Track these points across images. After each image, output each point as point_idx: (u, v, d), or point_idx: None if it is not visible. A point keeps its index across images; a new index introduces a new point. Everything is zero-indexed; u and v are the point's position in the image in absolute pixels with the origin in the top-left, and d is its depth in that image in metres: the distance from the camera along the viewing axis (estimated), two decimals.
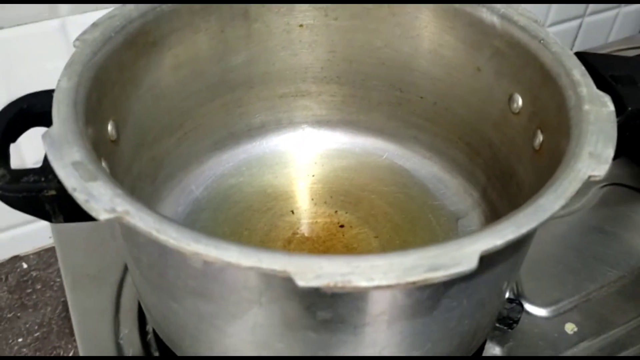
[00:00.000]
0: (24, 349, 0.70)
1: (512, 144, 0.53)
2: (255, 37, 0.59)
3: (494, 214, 0.59)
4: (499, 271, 0.38)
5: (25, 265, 0.83)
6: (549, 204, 0.33)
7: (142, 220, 0.31)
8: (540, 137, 0.47)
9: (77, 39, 0.45)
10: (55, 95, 0.40)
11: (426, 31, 0.57)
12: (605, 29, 1.00)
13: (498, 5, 0.51)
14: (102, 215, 0.32)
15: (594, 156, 0.36)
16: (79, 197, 0.33)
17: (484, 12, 0.52)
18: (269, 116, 0.66)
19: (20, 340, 0.71)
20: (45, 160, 0.41)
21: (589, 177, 0.35)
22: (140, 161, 0.54)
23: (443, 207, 0.61)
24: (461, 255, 0.30)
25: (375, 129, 0.67)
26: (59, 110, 0.39)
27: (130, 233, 0.38)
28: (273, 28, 0.59)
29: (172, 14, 0.52)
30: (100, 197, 0.33)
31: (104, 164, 0.43)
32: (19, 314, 0.74)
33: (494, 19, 0.51)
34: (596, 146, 0.37)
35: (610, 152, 0.36)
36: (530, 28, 0.49)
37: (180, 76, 0.56)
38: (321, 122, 0.68)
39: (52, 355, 0.70)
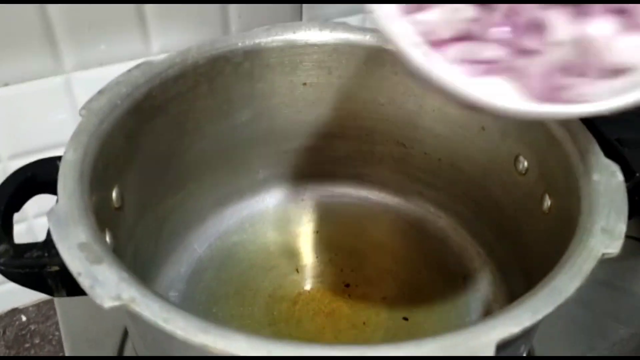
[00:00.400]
0: None
1: (519, 205, 0.53)
2: (259, 96, 0.59)
3: (502, 273, 0.58)
4: (513, 349, 0.37)
5: (24, 318, 0.82)
6: (564, 285, 0.33)
7: (148, 308, 0.31)
8: (548, 202, 0.47)
9: (83, 108, 0.45)
10: (61, 168, 0.39)
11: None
12: None
13: None
14: (107, 303, 0.31)
15: (606, 232, 0.36)
16: (84, 282, 0.32)
17: None
18: (272, 171, 0.66)
19: None
20: (49, 234, 0.41)
21: (603, 254, 0.35)
22: (144, 223, 0.53)
23: (449, 265, 0.60)
24: (478, 345, 0.29)
25: (379, 183, 0.67)
26: (65, 184, 0.38)
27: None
28: (277, 87, 0.59)
29: (178, 78, 0.52)
30: (106, 282, 0.32)
31: (107, 235, 0.43)
32: None
33: None
34: (608, 220, 0.37)
35: (622, 227, 0.36)
36: None
37: (185, 138, 0.56)
38: (325, 177, 0.67)
39: None
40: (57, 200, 0.37)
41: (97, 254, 0.34)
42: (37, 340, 0.80)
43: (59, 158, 0.47)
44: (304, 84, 0.60)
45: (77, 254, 0.33)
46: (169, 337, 0.30)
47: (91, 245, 0.34)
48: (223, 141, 0.60)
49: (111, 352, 0.58)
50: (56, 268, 0.39)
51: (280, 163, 0.65)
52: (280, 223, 0.65)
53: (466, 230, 0.62)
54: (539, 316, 0.31)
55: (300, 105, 0.61)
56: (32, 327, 0.81)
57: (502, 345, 0.30)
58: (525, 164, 0.51)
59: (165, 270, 0.58)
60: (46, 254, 0.39)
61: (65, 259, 0.33)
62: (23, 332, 0.81)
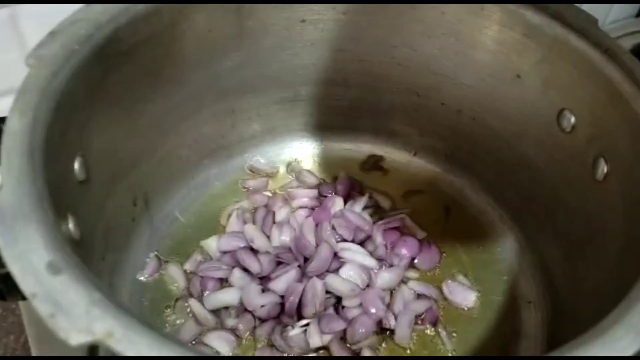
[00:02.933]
0: None
1: (559, 167, 0.45)
2: (248, 37, 0.49)
3: (529, 240, 0.51)
4: None
5: None
6: None
7: (132, 345, 0.22)
8: (604, 167, 0.40)
9: (30, 56, 0.35)
10: (3, 142, 0.30)
11: (454, 30, 0.48)
12: (601, 14, 0.91)
13: (550, 5, 0.42)
14: (75, 339, 0.23)
15: None
16: (41, 308, 0.23)
17: (529, 11, 0.43)
18: (263, 125, 0.57)
19: None
20: None
21: None
22: (115, 195, 0.44)
23: (465, 230, 0.53)
24: None
25: (386, 137, 0.58)
26: (10, 164, 0.29)
27: None
28: (269, 25, 0.49)
29: (149, 16, 0.41)
30: (71, 309, 0.23)
31: (70, 221, 0.34)
32: None
33: (543, 20, 0.42)
34: None
35: None
36: (590, 33, 0.40)
37: (160, 88, 0.46)
38: (324, 130, 0.59)
39: None
40: None
41: (57, 263, 0.25)
42: None
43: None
44: (303, 20, 0.50)
45: (29, 266, 0.25)
46: None
47: (49, 251, 0.25)
48: (206, 91, 0.50)
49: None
50: (5, 270, 0.30)
51: (272, 115, 0.56)
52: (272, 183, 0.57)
53: (486, 192, 0.55)
54: None
55: (298, 46, 0.51)
56: None
57: None
58: (572, 120, 0.43)
59: (142, 248, 0.49)
60: None
61: (15, 273, 0.25)
62: None
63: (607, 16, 0.81)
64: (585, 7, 0.42)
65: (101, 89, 0.39)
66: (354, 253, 0.48)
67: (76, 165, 0.37)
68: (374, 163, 0.59)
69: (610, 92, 0.38)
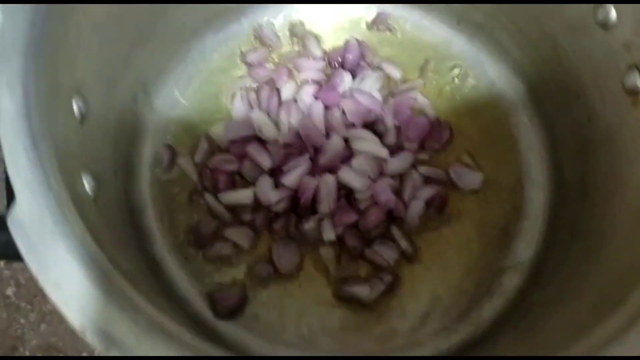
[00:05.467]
0: None
1: (588, 60, 0.42)
2: None
3: (541, 118, 0.50)
4: None
5: None
6: None
7: None
8: (637, 80, 0.37)
9: None
10: (3, 137, 0.27)
11: None
12: None
13: None
14: None
15: None
16: (96, 343, 0.24)
17: None
18: None
19: None
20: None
21: None
22: (115, 105, 0.41)
23: (477, 101, 0.52)
24: None
25: None
26: (17, 166, 0.27)
27: None
28: None
29: None
30: (124, 341, 0.24)
31: (85, 179, 0.33)
32: None
33: None
34: None
35: None
36: None
37: None
38: None
39: None
40: (7, 197, 0.26)
41: (98, 287, 0.25)
42: None
43: None
44: None
45: (70, 295, 0.25)
46: None
47: (86, 274, 0.25)
48: None
49: None
50: None
51: None
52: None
53: (503, 62, 0.52)
54: None
55: None
56: None
57: None
58: (614, 17, 0.39)
59: (151, 142, 0.48)
60: None
61: (57, 304, 0.25)
62: None
63: None
64: None
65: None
66: (365, 143, 0.47)
67: (75, 106, 0.34)
68: (382, 22, 0.54)
69: None
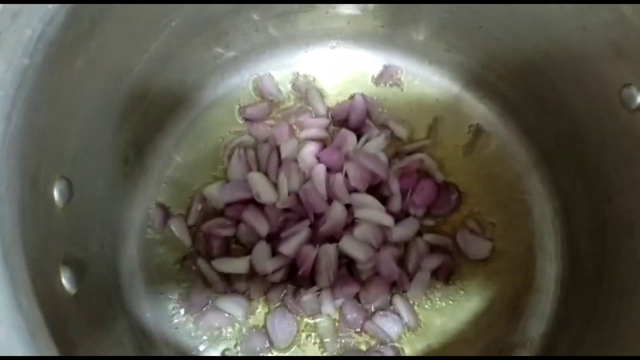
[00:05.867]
0: None
1: (610, 139, 0.40)
2: None
3: (554, 185, 0.48)
4: None
5: None
6: None
7: None
8: (636, 97, 0.35)
9: None
10: None
11: None
12: None
13: None
14: None
15: None
16: None
17: None
18: (262, 38, 0.48)
19: None
20: None
21: None
22: (105, 164, 0.39)
23: (487, 163, 0.49)
24: None
25: (404, 47, 0.50)
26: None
27: None
28: None
29: None
30: None
31: (63, 274, 0.31)
32: None
33: None
34: None
35: None
36: None
37: (135, 40, 0.37)
38: (331, 38, 0.50)
39: None
40: None
41: None
42: None
43: None
44: None
45: None
46: None
47: None
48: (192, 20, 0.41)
49: None
50: None
51: (275, 27, 0.47)
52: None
53: (520, 125, 0.49)
54: None
55: None
56: None
57: None
58: (639, 97, 0.36)
59: (141, 202, 0.46)
60: None
61: None
62: None
63: None
64: None
65: (64, 91, 0.32)
66: (369, 211, 0.45)
67: (55, 193, 0.32)
68: (390, 77, 0.51)
69: None
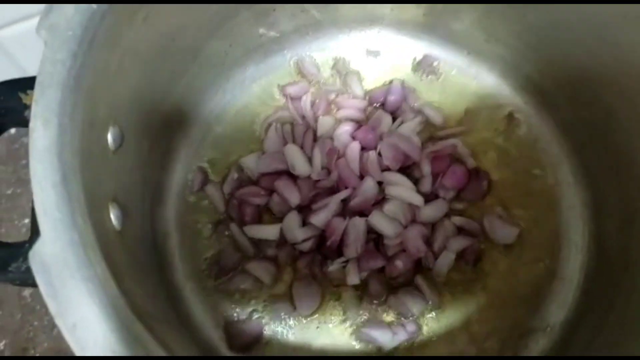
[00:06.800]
0: None
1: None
2: None
3: (586, 178, 0.48)
4: None
5: (12, 131, 0.71)
6: None
7: None
8: None
9: (41, 26, 0.29)
10: (32, 169, 0.27)
11: None
12: None
13: None
14: None
15: None
16: None
17: None
18: (306, 19, 0.50)
19: (26, 221, 0.64)
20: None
21: None
22: (151, 131, 0.41)
23: (520, 152, 0.50)
24: None
25: (444, 36, 0.51)
26: (44, 203, 0.26)
27: None
28: None
29: None
30: None
31: (111, 209, 0.33)
32: (19, 190, 0.66)
33: None
34: None
35: None
36: None
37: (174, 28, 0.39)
38: (373, 24, 0.52)
39: None
40: (31, 230, 0.26)
41: (120, 334, 0.25)
42: None
43: (11, 86, 0.34)
44: None
45: (86, 340, 0.24)
46: None
47: (106, 322, 0.25)
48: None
49: None
50: None
51: (318, 7, 0.49)
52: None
53: (550, 115, 0.50)
54: None
55: None
56: (25, 139, 0.72)
57: None
58: None
59: (182, 166, 0.48)
60: None
61: (72, 346, 0.24)
62: (16, 146, 0.72)
63: None
64: None
65: (126, 38, 0.34)
66: (400, 188, 0.46)
67: (110, 136, 0.34)
68: (428, 65, 0.52)
69: None
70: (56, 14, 0.29)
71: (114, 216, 0.33)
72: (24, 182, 0.65)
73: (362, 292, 0.46)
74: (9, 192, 0.65)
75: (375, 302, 0.45)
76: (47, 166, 0.27)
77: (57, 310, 0.25)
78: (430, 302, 0.45)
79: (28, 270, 0.30)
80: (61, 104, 0.28)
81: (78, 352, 0.24)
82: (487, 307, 0.46)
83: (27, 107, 0.33)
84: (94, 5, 0.30)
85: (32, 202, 0.27)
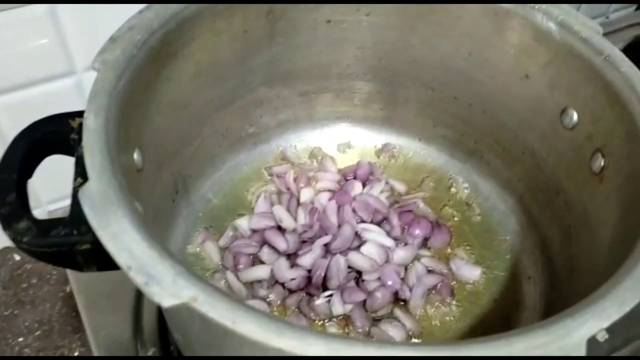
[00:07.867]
0: (26, 349, 0.66)
1: (561, 159, 0.50)
2: (278, 36, 0.53)
3: (530, 223, 0.56)
4: None
5: (17, 257, 0.77)
6: None
7: (213, 308, 0.28)
8: (601, 161, 0.45)
9: (97, 60, 0.40)
10: (85, 139, 0.35)
11: (469, 32, 0.52)
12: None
13: (555, 11, 0.47)
14: (167, 302, 0.28)
15: None
16: (137, 278, 0.29)
17: (539, 17, 0.47)
18: (288, 115, 0.61)
19: (20, 339, 0.66)
20: (74, 208, 0.37)
21: None
22: (162, 180, 0.49)
23: (474, 211, 0.59)
24: (569, 345, 0.28)
25: (399, 126, 0.63)
26: (93, 159, 0.34)
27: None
28: (298, 25, 0.54)
29: (194, 19, 0.46)
30: (162, 279, 0.29)
31: (137, 205, 0.39)
32: (16, 312, 0.70)
33: (551, 26, 0.47)
34: None
35: None
36: (593, 41, 0.45)
37: (201, 83, 0.51)
38: (342, 119, 0.64)
39: (57, 355, 0.66)
40: (76, 176, 0.33)
41: (145, 244, 0.30)
42: (34, 280, 0.77)
43: (66, 115, 0.42)
44: (328, 21, 0.54)
45: (122, 246, 0.30)
46: (235, 338, 0.28)
47: (136, 233, 0.31)
48: (239, 85, 0.55)
49: (127, 306, 0.56)
50: (87, 246, 0.36)
51: (297, 106, 0.61)
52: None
53: (493, 178, 0.60)
54: (626, 308, 0.29)
55: (322, 44, 0.56)
56: (28, 266, 0.78)
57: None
58: (575, 118, 0.48)
59: (181, 226, 0.55)
60: (75, 232, 0.36)
61: (111, 251, 0.30)
62: (18, 272, 0.77)
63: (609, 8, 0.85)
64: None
65: (153, 88, 0.44)
66: (373, 233, 0.53)
67: (135, 156, 0.42)
68: (388, 151, 0.64)
69: (608, 95, 0.43)
70: (108, 53, 0.40)
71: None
72: (22, 303, 0.70)
73: (347, 326, 0.50)
74: (7, 313, 0.70)
75: (360, 330, 0.49)
76: (96, 138, 0.35)
77: (99, 226, 0.31)
78: (410, 332, 0.49)
79: (66, 234, 0.36)
80: (107, 106, 0.37)
81: (115, 255, 0.30)
82: (463, 335, 0.50)
83: (73, 129, 0.42)
84: (134, 50, 0.41)
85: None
